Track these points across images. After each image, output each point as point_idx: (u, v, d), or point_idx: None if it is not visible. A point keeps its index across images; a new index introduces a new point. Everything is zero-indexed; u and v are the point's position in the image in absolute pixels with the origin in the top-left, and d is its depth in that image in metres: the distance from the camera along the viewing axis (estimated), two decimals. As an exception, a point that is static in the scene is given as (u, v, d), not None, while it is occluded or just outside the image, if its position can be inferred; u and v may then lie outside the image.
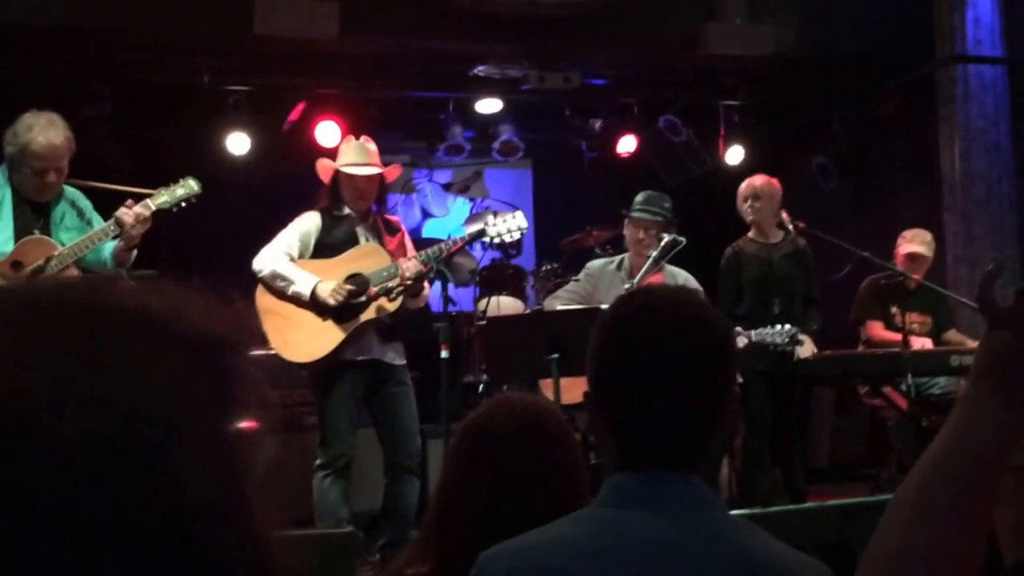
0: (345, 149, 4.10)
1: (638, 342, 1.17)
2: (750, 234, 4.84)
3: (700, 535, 1.08)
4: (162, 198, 3.67)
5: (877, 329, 5.06)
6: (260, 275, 3.96)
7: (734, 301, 4.74)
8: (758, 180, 4.74)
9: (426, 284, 4.02)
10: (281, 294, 3.95)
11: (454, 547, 1.28)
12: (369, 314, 3.93)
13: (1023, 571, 1.11)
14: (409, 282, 3.85)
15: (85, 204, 3.72)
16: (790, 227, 4.72)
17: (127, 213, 3.50)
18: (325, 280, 3.94)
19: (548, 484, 1.40)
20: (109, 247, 3.59)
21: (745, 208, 4.74)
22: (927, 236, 5.07)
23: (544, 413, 1.53)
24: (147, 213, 3.53)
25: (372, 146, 4.09)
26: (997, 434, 0.82)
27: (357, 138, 4.15)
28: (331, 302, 3.88)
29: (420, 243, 4.50)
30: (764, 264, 4.76)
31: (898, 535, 0.82)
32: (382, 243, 4.05)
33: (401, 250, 4.09)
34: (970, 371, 0.85)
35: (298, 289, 3.91)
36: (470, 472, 1.47)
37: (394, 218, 4.32)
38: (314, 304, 3.91)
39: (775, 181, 4.79)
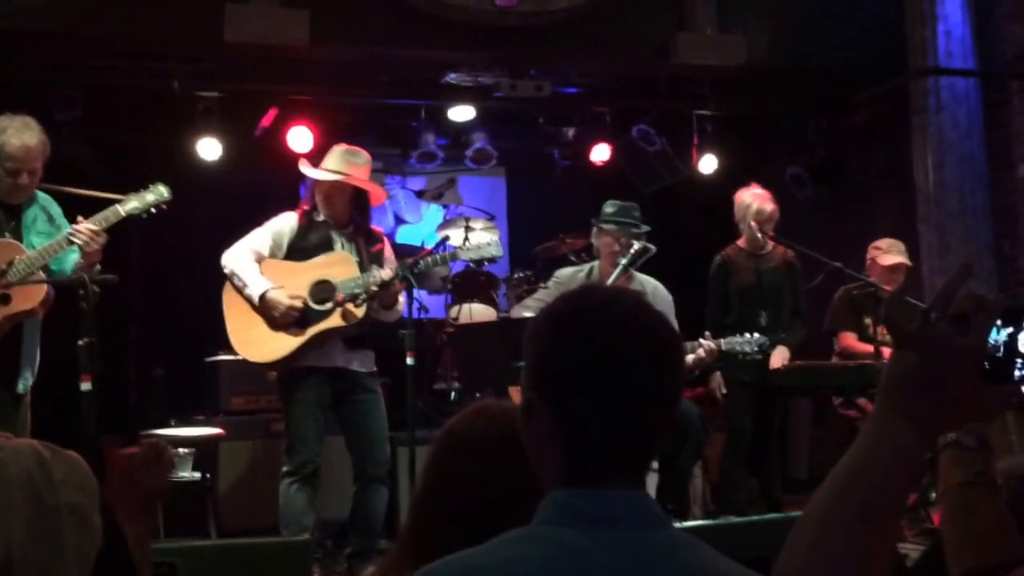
0: (329, 154, 4.09)
1: (599, 338, 1.09)
2: (739, 243, 4.87)
3: (648, 556, 1.04)
4: (131, 204, 3.67)
5: (850, 340, 5.06)
6: (225, 270, 3.95)
7: (722, 310, 4.76)
8: (770, 205, 4.75)
9: (401, 298, 3.99)
10: (241, 292, 3.93)
11: (433, 557, 1.24)
12: (335, 321, 3.90)
13: None
14: (375, 288, 3.83)
15: (56, 211, 3.73)
16: (759, 235, 4.74)
17: (79, 232, 3.48)
18: (290, 284, 3.91)
19: (530, 493, 1.33)
20: (71, 259, 3.58)
21: (755, 228, 4.73)
22: (902, 245, 5.09)
23: None
24: (98, 228, 3.50)
25: (358, 158, 4.05)
26: (900, 456, 0.83)
27: (357, 146, 4.13)
28: (275, 315, 3.85)
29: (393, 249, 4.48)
30: (752, 274, 4.80)
31: (803, 552, 0.83)
32: (359, 252, 4.02)
33: (380, 259, 4.06)
34: (877, 391, 0.86)
35: (250, 292, 3.89)
36: (451, 481, 1.44)
37: (378, 229, 4.30)
38: (263, 309, 3.88)
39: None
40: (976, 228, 5.60)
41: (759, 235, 4.74)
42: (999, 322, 0.86)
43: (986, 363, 0.85)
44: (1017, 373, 0.87)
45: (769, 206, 4.75)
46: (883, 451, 0.83)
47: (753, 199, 4.78)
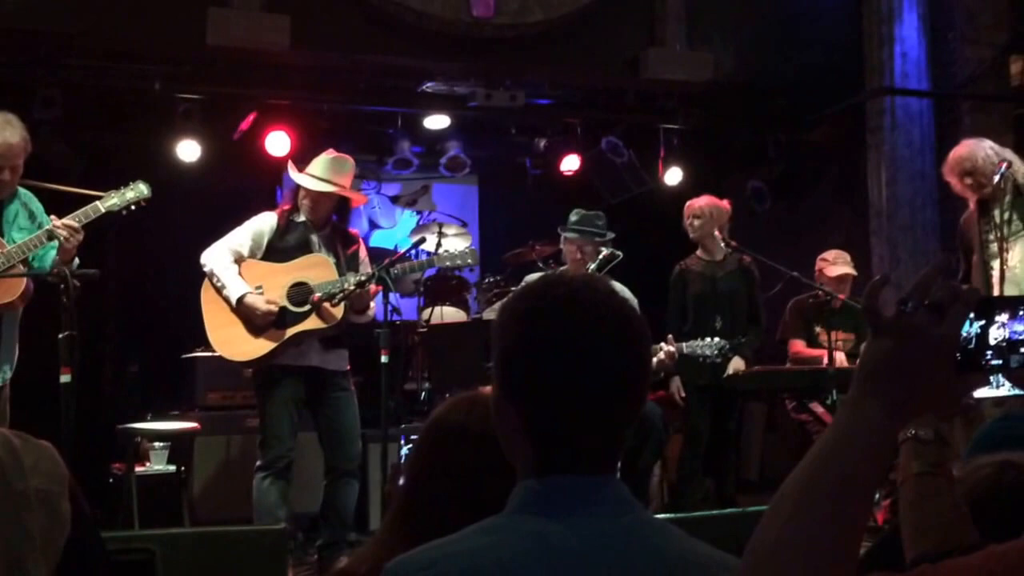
0: (316, 160, 4.15)
1: (564, 337, 1.09)
2: (697, 252, 4.99)
3: (618, 540, 1.05)
4: (111, 201, 3.72)
5: (798, 346, 5.22)
6: (204, 269, 4.04)
7: (680, 318, 4.89)
8: (699, 201, 4.90)
9: (372, 304, 4.09)
10: (219, 292, 4.03)
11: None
12: (313, 323, 3.98)
13: (919, 562, 1.23)
14: (351, 289, 3.94)
15: (37, 207, 3.75)
16: (722, 245, 4.91)
17: (58, 228, 3.53)
18: (268, 285, 3.99)
19: None
20: (51, 255, 3.62)
21: (686, 226, 4.93)
22: (847, 256, 5.26)
23: None
24: (76, 225, 3.55)
25: (346, 166, 4.13)
26: (874, 439, 0.85)
27: (339, 152, 4.19)
28: (255, 318, 3.95)
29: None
30: (708, 281, 4.89)
31: (778, 527, 0.85)
32: (335, 254, 4.10)
33: (356, 261, 4.16)
34: (853, 376, 0.89)
35: (227, 294, 3.97)
36: (445, 471, 1.41)
37: (353, 231, 4.37)
38: (241, 311, 3.96)
39: (723, 202, 4.94)
40: (925, 242, 5.84)
41: (722, 243, 4.89)
42: (972, 315, 0.88)
43: (958, 354, 0.87)
44: (987, 364, 0.89)
45: (698, 202, 4.88)
46: (858, 432, 0.85)
47: (687, 205, 4.93)
